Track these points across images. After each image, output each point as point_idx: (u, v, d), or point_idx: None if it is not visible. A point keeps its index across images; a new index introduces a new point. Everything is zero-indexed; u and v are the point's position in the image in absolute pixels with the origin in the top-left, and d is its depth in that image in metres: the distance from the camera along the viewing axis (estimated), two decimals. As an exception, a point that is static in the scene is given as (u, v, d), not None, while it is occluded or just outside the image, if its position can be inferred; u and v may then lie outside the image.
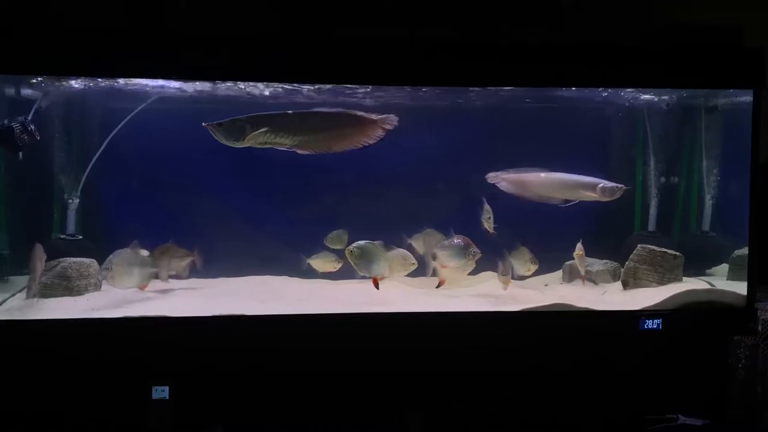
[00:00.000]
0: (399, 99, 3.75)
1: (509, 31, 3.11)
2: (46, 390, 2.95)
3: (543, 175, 3.78)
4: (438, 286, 3.57)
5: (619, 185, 3.71)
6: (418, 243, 3.76)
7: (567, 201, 3.77)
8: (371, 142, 3.27)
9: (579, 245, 3.73)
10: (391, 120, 3.27)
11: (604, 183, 3.71)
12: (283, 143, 3.21)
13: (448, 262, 3.53)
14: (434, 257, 3.57)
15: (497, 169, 3.79)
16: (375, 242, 3.35)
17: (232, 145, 3.13)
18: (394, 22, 3.13)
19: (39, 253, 3.29)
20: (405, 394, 3.12)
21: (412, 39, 3.06)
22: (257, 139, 3.16)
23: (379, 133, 3.26)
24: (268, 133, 3.16)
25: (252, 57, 3.06)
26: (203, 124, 3.12)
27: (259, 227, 3.92)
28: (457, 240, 3.56)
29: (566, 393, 3.17)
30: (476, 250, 3.52)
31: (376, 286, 3.33)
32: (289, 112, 3.24)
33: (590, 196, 3.73)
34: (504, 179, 3.77)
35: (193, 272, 3.78)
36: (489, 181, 3.77)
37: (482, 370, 3.14)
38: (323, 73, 3.16)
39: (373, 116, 3.26)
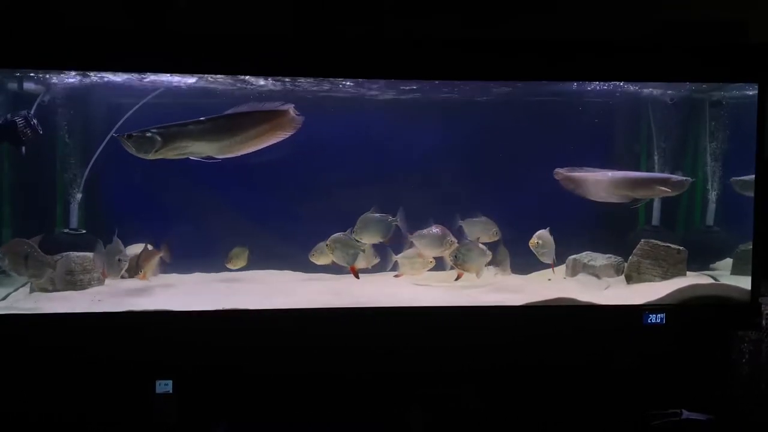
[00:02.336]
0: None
1: (520, 26, 3.09)
2: (49, 384, 2.95)
3: (611, 174, 3.77)
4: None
5: (687, 178, 3.72)
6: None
7: (636, 200, 3.77)
8: (290, 133, 3.20)
9: (539, 232, 3.73)
10: (294, 109, 3.19)
11: (674, 177, 3.73)
12: (200, 152, 3.14)
13: (425, 251, 3.62)
14: (411, 245, 3.65)
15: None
16: (347, 233, 3.48)
17: (143, 157, 3.09)
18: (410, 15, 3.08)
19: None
20: (406, 390, 3.11)
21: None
22: (169, 153, 3.12)
23: (296, 123, 3.19)
24: (181, 144, 3.11)
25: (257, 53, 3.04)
26: (114, 135, 3.08)
27: (262, 222, 3.92)
28: (435, 229, 3.61)
29: (569, 388, 3.17)
30: (452, 239, 3.60)
31: (355, 275, 3.47)
32: (202, 118, 3.16)
33: (662, 191, 3.72)
34: (569, 177, 3.77)
35: (167, 268, 3.77)
36: (556, 177, 3.76)
37: (485, 365, 3.14)
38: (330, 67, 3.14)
39: (285, 106, 3.19)
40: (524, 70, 3.18)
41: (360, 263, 3.64)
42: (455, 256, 3.58)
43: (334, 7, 3.02)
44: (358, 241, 3.52)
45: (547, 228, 3.74)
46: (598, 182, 3.74)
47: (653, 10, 3.05)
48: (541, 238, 3.71)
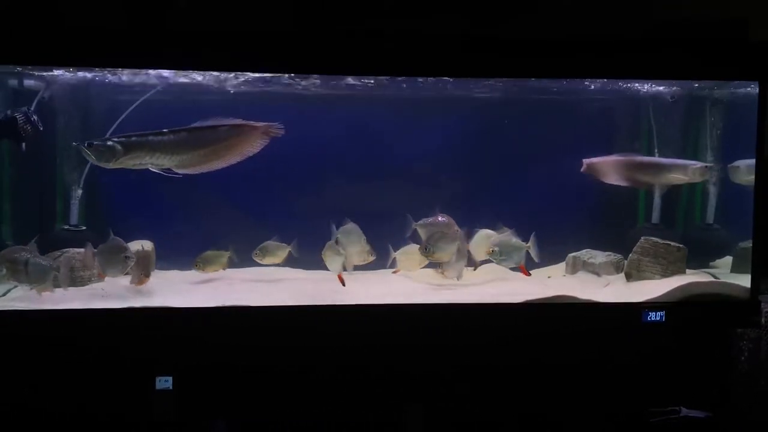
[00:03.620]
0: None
1: (516, 24, 3.09)
2: (49, 380, 2.96)
3: (638, 159, 3.83)
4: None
5: (708, 164, 3.73)
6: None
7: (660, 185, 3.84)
8: (255, 151, 3.17)
9: (494, 239, 3.57)
10: (277, 127, 3.17)
11: (693, 164, 3.75)
12: (161, 164, 3.13)
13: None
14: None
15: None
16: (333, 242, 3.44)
17: (104, 166, 3.08)
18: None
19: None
20: (405, 388, 3.12)
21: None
22: (129, 162, 3.10)
23: (263, 140, 3.16)
24: (142, 155, 3.09)
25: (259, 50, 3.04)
26: (73, 144, 3.06)
27: (264, 219, 3.92)
28: (441, 218, 3.60)
29: (568, 385, 3.18)
30: (458, 228, 3.57)
31: (342, 282, 3.42)
32: (164, 130, 3.14)
33: (679, 178, 3.75)
34: (596, 163, 3.78)
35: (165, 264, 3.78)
36: (585, 163, 3.77)
37: (484, 363, 3.15)
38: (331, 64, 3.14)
39: (256, 123, 3.17)
40: (525, 69, 3.19)
41: (355, 260, 3.65)
42: (425, 248, 3.49)
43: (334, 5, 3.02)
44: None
45: (508, 231, 3.61)
46: (623, 166, 3.78)
47: (653, 9, 3.05)
48: (498, 245, 3.53)
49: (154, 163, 3.11)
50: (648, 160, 3.89)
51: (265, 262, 3.79)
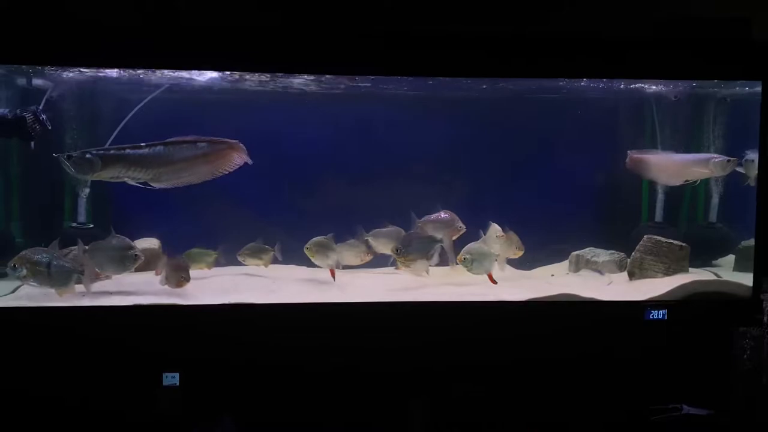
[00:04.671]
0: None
1: (520, 24, 3.10)
2: (57, 376, 2.99)
3: (665, 156, 3.86)
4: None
5: (730, 158, 3.70)
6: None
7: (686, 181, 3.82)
8: (230, 170, 3.18)
9: (467, 247, 3.53)
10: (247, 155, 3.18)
11: (715, 157, 3.73)
12: (138, 177, 3.15)
13: (435, 235, 3.60)
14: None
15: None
16: (327, 236, 3.58)
17: (83, 178, 3.12)
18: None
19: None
20: (410, 385, 3.14)
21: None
22: (107, 175, 3.13)
23: (237, 159, 3.18)
24: (119, 168, 3.11)
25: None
26: (53, 155, 3.08)
27: (269, 217, 3.95)
28: (444, 214, 3.64)
29: (571, 382, 3.19)
30: (461, 224, 3.62)
31: (333, 275, 3.57)
32: (142, 144, 3.17)
33: (702, 173, 3.74)
34: (641, 159, 3.79)
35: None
36: (632, 157, 3.77)
37: (487, 360, 3.16)
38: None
39: (229, 141, 3.17)
40: (524, 68, 3.20)
41: (352, 260, 3.72)
42: (396, 251, 3.50)
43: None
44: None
45: (479, 239, 3.59)
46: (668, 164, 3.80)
47: (654, 8, 3.05)
48: (469, 253, 3.48)
49: (131, 176, 3.15)
50: (679, 156, 3.90)
51: (248, 263, 3.81)
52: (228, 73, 3.46)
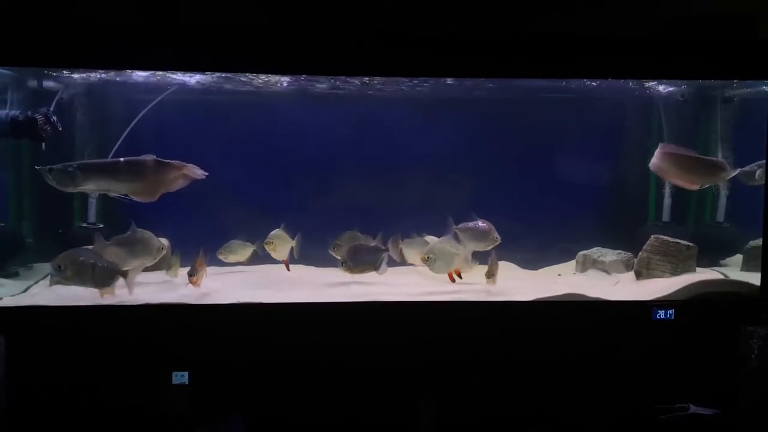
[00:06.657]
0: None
1: (520, 24, 3.10)
2: (67, 375, 3.01)
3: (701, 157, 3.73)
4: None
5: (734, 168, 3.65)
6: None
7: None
8: (172, 190, 3.24)
9: (430, 246, 3.54)
10: (196, 171, 3.24)
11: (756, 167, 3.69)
12: (118, 190, 3.23)
13: (469, 244, 3.59)
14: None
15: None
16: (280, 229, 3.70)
17: (63, 190, 3.15)
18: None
19: None
20: (418, 384, 3.15)
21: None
22: (87, 187, 3.19)
23: (181, 181, 3.23)
24: (99, 181, 3.18)
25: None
26: (36, 167, 3.13)
27: (276, 216, 3.97)
28: (481, 224, 3.62)
29: (578, 381, 3.20)
30: (497, 235, 3.60)
31: (287, 267, 3.79)
32: (121, 159, 3.25)
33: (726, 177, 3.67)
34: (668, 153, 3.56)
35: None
36: (664, 151, 3.56)
37: (495, 360, 3.17)
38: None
39: (175, 163, 3.23)
40: (525, 68, 3.20)
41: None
42: (342, 263, 3.51)
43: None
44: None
45: (448, 236, 3.54)
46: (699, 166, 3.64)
47: (659, 7, 3.04)
48: (432, 252, 3.47)
49: (112, 189, 3.23)
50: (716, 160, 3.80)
51: (229, 260, 3.84)
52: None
